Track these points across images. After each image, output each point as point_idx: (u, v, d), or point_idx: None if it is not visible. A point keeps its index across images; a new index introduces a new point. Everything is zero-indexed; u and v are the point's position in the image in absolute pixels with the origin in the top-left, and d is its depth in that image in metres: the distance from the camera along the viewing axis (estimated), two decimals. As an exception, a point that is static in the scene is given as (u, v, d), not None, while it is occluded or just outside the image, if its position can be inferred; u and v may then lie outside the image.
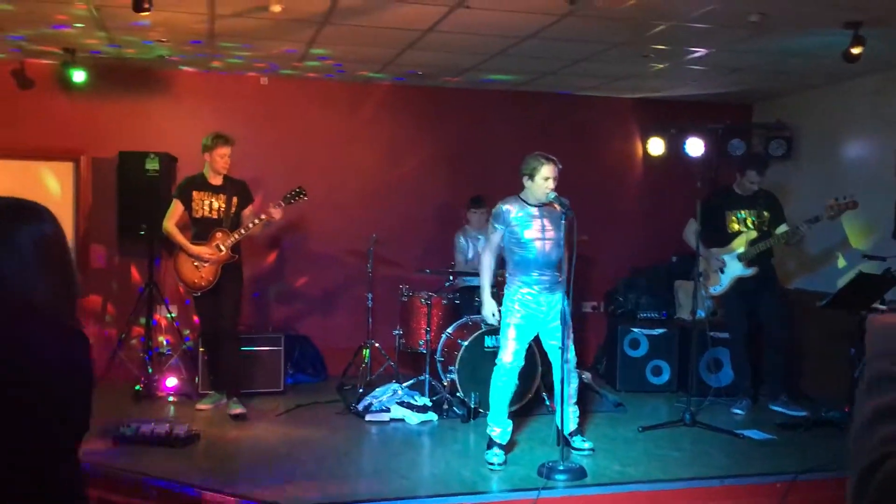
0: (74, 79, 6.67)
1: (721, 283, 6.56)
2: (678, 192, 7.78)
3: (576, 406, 5.35)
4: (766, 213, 6.51)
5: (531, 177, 5.01)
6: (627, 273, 8.05)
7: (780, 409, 6.44)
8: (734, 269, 6.49)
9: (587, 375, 6.75)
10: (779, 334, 6.64)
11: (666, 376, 7.23)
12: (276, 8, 4.94)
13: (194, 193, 6.09)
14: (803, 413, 6.28)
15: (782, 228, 6.42)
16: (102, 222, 7.18)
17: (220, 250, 6.02)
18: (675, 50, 6.14)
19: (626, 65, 6.69)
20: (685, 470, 5.03)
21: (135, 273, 7.34)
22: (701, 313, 6.35)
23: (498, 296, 5.32)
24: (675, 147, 8.08)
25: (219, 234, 6.03)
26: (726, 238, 6.57)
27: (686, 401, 6.14)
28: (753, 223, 6.53)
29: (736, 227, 6.56)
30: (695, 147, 7.81)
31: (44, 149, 7.14)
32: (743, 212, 6.56)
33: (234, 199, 6.12)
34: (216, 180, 6.12)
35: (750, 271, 6.45)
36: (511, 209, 5.08)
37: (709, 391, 6.62)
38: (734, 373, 6.89)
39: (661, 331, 7.28)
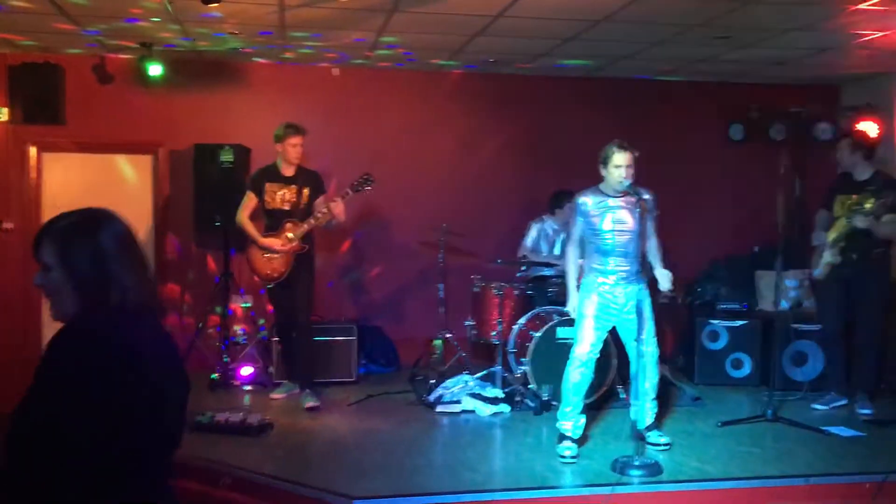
0: (151, 72, 6.79)
1: (819, 267, 6.25)
2: (761, 179, 7.48)
3: (654, 402, 5.18)
4: (871, 200, 5.95)
5: (605, 165, 4.89)
6: (707, 263, 7.79)
7: (861, 412, 6.07)
8: (826, 255, 6.17)
9: (664, 368, 6.55)
10: (864, 332, 6.20)
11: (747, 370, 6.98)
12: (345, -4, 4.92)
13: (266, 185, 6.12)
14: (869, 411, 5.97)
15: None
16: (180, 213, 7.32)
17: (290, 241, 6.05)
18: (757, 30, 5.89)
19: (705, 47, 6.46)
20: (767, 468, 4.81)
21: (211, 263, 7.47)
22: (784, 305, 6.07)
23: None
24: (757, 132, 7.78)
25: (289, 225, 6.06)
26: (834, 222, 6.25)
27: (768, 395, 5.90)
28: (850, 208, 6.15)
29: (838, 211, 6.21)
30: (779, 132, 7.52)
31: (124, 142, 7.31)
32: (851, 196, 6.09)
33: (306, 190, 6.13)
34: (288, 171, 6.14)
35: (836, 259, 6.10)
36: (588, 200, 4.98)
37: (793, 386, 6.35)
38: (824, 366, 6.57)
39: (741, 322, 7.02)
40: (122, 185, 7.41)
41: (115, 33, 6.30)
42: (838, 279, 6.13)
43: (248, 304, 7.24)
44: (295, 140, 6.04)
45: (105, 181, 7.37)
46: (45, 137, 7.15)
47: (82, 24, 6.01)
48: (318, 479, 4.47)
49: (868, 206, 5.81)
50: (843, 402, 6.22)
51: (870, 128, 7.16)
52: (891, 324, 6.59)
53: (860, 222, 5.84)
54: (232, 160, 6.92)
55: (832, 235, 6.09)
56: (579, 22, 5.73)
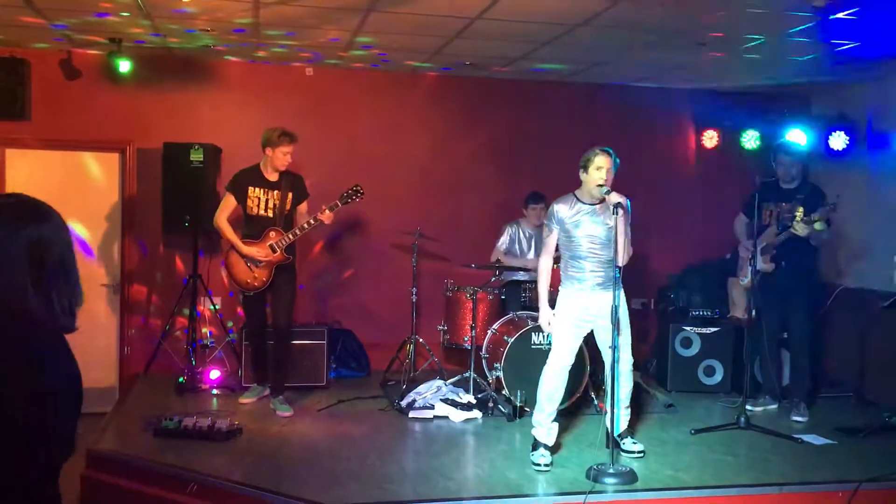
0: (120, 69, 6.63)
1: (747, 276, 6.33)
2: (734, 186, 7.50)
3: (628, 409, 5.16)
4: (800, 208, 6.05)
5: (585, 168, 4.85)
6: (680, 270, 7.81)
7: (795, 419, 6.11)
8: (758, 263, 6.19)
9: (636, 375, 6.53)
10: (797, 339, 6.33)
11: (719, 377, 6.99)
12: (322, -6, 4.84)
13: (249, 189, 5.91)
14: (804, 418, 6.07)
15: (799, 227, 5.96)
16: (148, 213, 7.16)
17: (275, 251, 5.86)
18: (733, 38, 5.90)
19: (681, 54, 6.45)
20: (741, 476, 4.81)
21: (179, 264, 7.32)
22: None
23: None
24: (729, 139, 7.82)
25: (272, 234, 5.86)
26: (762, 231, 6.28)
27: (741, 403, 5.91)
28: (778, 216, 6.19)
29: (767, 220, 6.26)
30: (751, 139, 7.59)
31: (90, 139, 7.14)
32: (780, 204, 6.21)
33: (290, 195, 5.95)
34: (272, 176, 5.93)
35: (767, 267, 6.14)
36: (563, 208, 4.94)
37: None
38: (761, 371, 6.60)
39: (714, 329, 7.04)
40: (89, 184, 7.24)
41: (83, 28, 6.15)
42: (770, 287, 6.16)
43: (217, 307, 7.11)
44: (288, 149, 5.86)
45: (71, 179, 7.19)
46: (9, 134, 6.95)
47: (50, 17, 5.86)
48: (289, 486, 4.39)
49: (815, 216, 5.86)
50: (775, 405, 6.40)
51: (800, 138, 7.26)
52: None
53: (801, 230, 5.88)
54: (202, 160, 6.78)
55: (764, 244, 6.12)
56: (557, 26, 5.69)
